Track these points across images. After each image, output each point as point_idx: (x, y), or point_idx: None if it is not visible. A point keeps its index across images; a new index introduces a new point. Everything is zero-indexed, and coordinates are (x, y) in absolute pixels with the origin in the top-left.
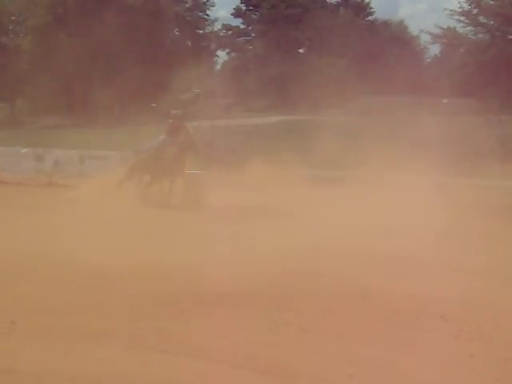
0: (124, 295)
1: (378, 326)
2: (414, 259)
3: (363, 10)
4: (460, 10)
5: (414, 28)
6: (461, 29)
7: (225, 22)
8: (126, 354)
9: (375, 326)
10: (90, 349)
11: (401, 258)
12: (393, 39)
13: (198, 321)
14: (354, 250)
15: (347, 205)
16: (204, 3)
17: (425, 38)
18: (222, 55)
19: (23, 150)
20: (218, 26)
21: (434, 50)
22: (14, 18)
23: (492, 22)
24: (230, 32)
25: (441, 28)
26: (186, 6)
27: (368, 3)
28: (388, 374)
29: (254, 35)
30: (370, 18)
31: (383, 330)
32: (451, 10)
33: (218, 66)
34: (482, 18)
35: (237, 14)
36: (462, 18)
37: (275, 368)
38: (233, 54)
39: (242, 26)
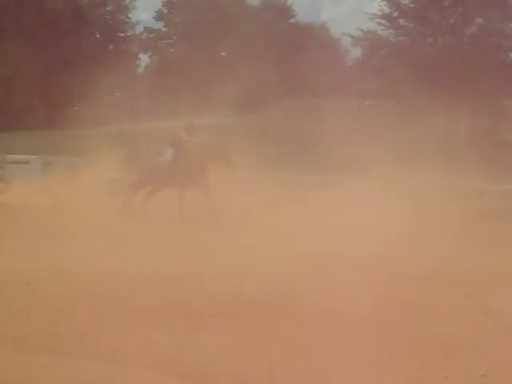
0: (45, 300)
1: (299, 328)
2: (346, 264)
3: (285, 12)
4: (380, 13)
5: (335, 31)
6: (382, 31)
7: (147, 25)
8: (44, 358)
9: (297, 328)
10: (7, 354)
11: (336, 262)
12: (315, 42)
13: (117, 325)
14: (289, 254)
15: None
16: (126, 6)
17: (346, 41)
18: (144, 58)
19: None
20: (140, 29)
21: (356, 52)
22: None
23: (412, 25)
24: (151, 35)
25: (362, 31)
26: (108, 8)
27: (290, 6)
28: (310, 376)
29: (175, 38)
30: (291, 20)
31: (305, 331)
32: (372, 14)
33: (141, 69)
34: (402, 21)
35: (158, 16)
36: (383, 21)
37: (195, 371)
38: (155, 57)
39: (163, 29)
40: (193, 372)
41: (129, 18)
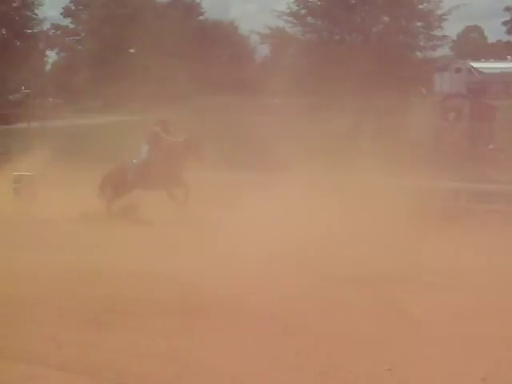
0: None
1: (207, 326)
2: (274, 262)
3: (194, 9)
4: (288, 10)
5: (244, 28)
6: (289, 29)
7: (54, 22)
8: None
9: (205, 325)
10: None
11: (262, 261)
12: (224, 39)
13: (23, 324)
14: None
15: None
16: (32, 2)
17: (255, 39)
18: (52, 55)
19: None
20: (47, 26)
21: (265, 50)
22: None
23: (319, 23)
24: (59, 32)
25: (269, 28)
26: (14, 5)
27: (199, 3)
28: (215, 373)
29: (83, 35)
30: (200, 17)
31: (212, 329)
32: (280, 11)
33: (49, 66)
34: (309, 19)
35: (66, 13)
36: (291, 19)
37: (102, 369)
38: (63, 54)
39: (71, 26)
40: (100, 370)
41: (36, 14)
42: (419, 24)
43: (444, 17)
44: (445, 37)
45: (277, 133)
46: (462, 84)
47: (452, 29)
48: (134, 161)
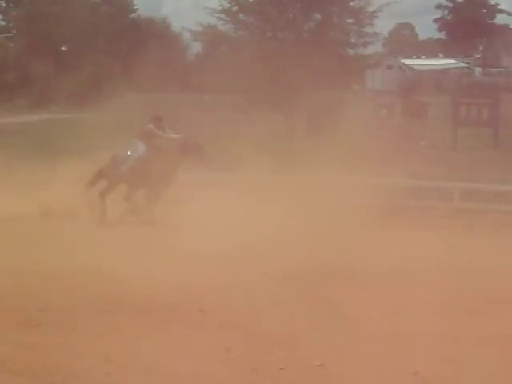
0: None
1: (141, 323)
2: (217, 261)
3: (126, 7)
4: (220, 7)
5: (177, 25)
6: (221, 26)
7: None
8: None
9: (138, 323)
10: None
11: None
12: (157, 36)
13: None
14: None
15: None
16: None
17: (187, 36)
18: None
19: None
20: None
21: (197, 47)
22: None
23: (251, 20)
24: None
25: (201, 25)
26: None
27: (131, 0)
28: (146, 370)
29: (14, 32)
30: (133, 15)
31: (141, 325)
32: (212, 8)
33: None
34: (241, 16)
35: None
36: (223, 16)
37: (32, 368)
38: None
39: (1, 23)
40: (31, 370)
41: None
42: (350, 21)
43: (375, 14)
44: (376, 34)
45: (211, 130)
46: (394, 81)
47: (383, 26)
48: (129, 153)
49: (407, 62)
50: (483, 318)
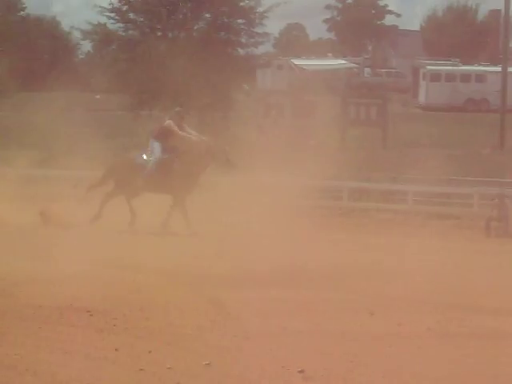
0: None
1: (22, 324)
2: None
3: (14, 5)
4: (110, 6)
5: (67, 24)
6: (111, 25)
7: None
8: None
9: (20, 324)
10: None
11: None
12: (46, 35)
13: None
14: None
15: None
16: None
17: (77, 35)
18: None
19: None
20: None
21: (88, 46)
22: None
23: (141, 19)
24: None
25: (91, 24)
26: None
27: None
28: (34, 373)
29: None
30: (22, 13)
31: (28, 328)
32: (102, 7)
33: None
34: (131, 15)
35: None
36: (113, 15)
37: None
38: None
39: None
40: None
41: None
42: (241, 21)
43: (265, 14)
44: (266, 34)
45: (97, 129)
46: (284, 81)
47: (274, 26)
48: (144, 156)
49: (297, 62)
50: (378, 316)
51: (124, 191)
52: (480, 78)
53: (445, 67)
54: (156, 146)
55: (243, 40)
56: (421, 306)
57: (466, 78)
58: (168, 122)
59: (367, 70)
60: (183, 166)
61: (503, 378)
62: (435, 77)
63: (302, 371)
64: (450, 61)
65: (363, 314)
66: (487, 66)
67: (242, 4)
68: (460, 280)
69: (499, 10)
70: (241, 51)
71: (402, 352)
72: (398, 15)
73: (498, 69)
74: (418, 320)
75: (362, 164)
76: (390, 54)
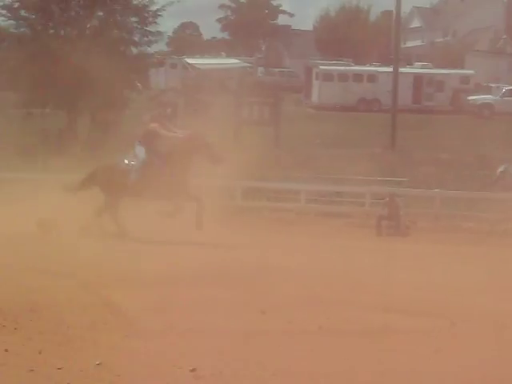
0: None
1: None
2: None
3: None
4: (1, 3)
5: None
6: (2, 22)
7: None
8: None
9: None
10: None
11: None
12: None
13: None
14: None
15: None
16: None
17: None
18: None
19: None
20: None
21: None
22: None
23: (33, 16)
24: None
25: None
26: None
27: None
28: None
29: None
30: None
31: None
32: None
33: None
34: (23, 12)
35: None
36: (4, 12)
37: None
38: None
39: None
40: None
41: None
42: (134, 19)
43: (159, 13)
44: (160, 33)
45: None
46: (178, 79)
47: (168, 25)
48: (126, 161)
49: (191, 61)
50: (269, 314)
51: (107, 197)
52: (372, 78)
53: (337, 67)
54: (141, 151)
55: (136, 38)
56: (312, 304)
57: (358, 78)
58: (153, 126)
59: (261, 69)
60: (172, 168)
61: (389, 374)
62: (328, 77)
63: (193, 370)
64: (342, 61)
65: (254, 313)
66: (379, 66)
67: (135, 2)
68: (350, 278)
69: (391, 11)
70: (134, 50)
71: (293, 350)
72: (292, 15)
73: (390, 69)
74: (309, 318)
75: (255, 163)
76: (284, 54)
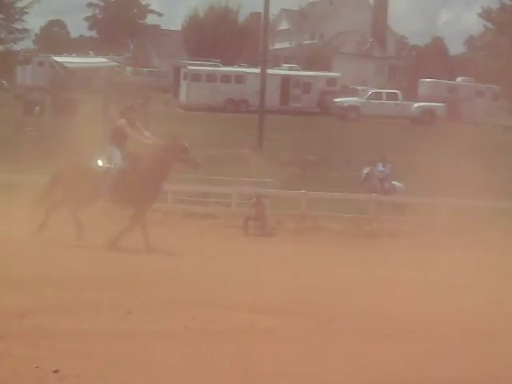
0: None
1: None
2: None
3: None
4: None
5: None
6: None
7: None
8: None
9: None
10: None
11: None
12: None
13: None
14: None
15: None
16: None
17: None
18: None
19: None
20: None
21: None
22: None
23: None
24: None
25: None
26: None
27: None
28: None
29: None
30: None
31: None
32: None
33: None
34: None
35: None
36: None
37: None
38: None
39: None
40: None
41: None
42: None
43: (25, 10)
44: (26, 30)
45: None
46: (45, 78)
47: (35, 22)
48: (100, 163)
49: (58, 59)
50: (135, 315)
51: (72, 201)
52: (240, 79)
53: (205, 68)
54: (115, 153)
55: (2, 35)
56: (179, 304)
57: (226, 78)
58: (121, 122)
59: (129, 68)
60: (145, 173)
61: (254, 374)
62: (196, 77)
63: (56, 371)
64: (210, 61)
65: (120, 313)
66: (247, 67)
67: None
68: (216, 278)
69: (260, 13)
70: (0, 47)
71: (157, 350)
72: (160, 15)
73: (258, 70)
74: (175, 318)
75: None
76: (152, 54)
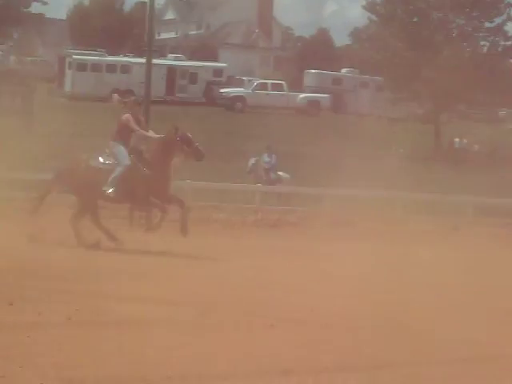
0: None
1: None
2: None
3: None
4: None
5: None
6: None
7: None
8: None
9: None
10: None
11: None
12: None
13: None
14: None
15: None
16: None
17: None
18: None
19: None
20: None
21: None
22: None
23: None
24: None
25: None
26: None
27: None
28: None
29: None
30: None
31: None
32: None
33: None
34: None
35: None
36: None
37: None
38: None
39: None
40: None
41: None
42: None
43: None
44: None
45: None
46: None
47: None
48: (101, 159)
49: None
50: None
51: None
52: (125, 68)
53: (91, 57)
54: (120, 150)
55: None
56: (62, 295)
57: (111, 68)
58: (126, 116)
59: (13, 57)
60: (156, 173)
61: (136, 365)
62: (81, 66)
63: None
64: (96, 51)
65: (2, 304)
66: (133, 57)
67: None
68: (98, 269)
69: (145, 3)
70: None
71: (40, 341)
72: (45, 3)
73: (143, 60)
74: (58, 309)
75: (6, 154)
76: (37, 43)
